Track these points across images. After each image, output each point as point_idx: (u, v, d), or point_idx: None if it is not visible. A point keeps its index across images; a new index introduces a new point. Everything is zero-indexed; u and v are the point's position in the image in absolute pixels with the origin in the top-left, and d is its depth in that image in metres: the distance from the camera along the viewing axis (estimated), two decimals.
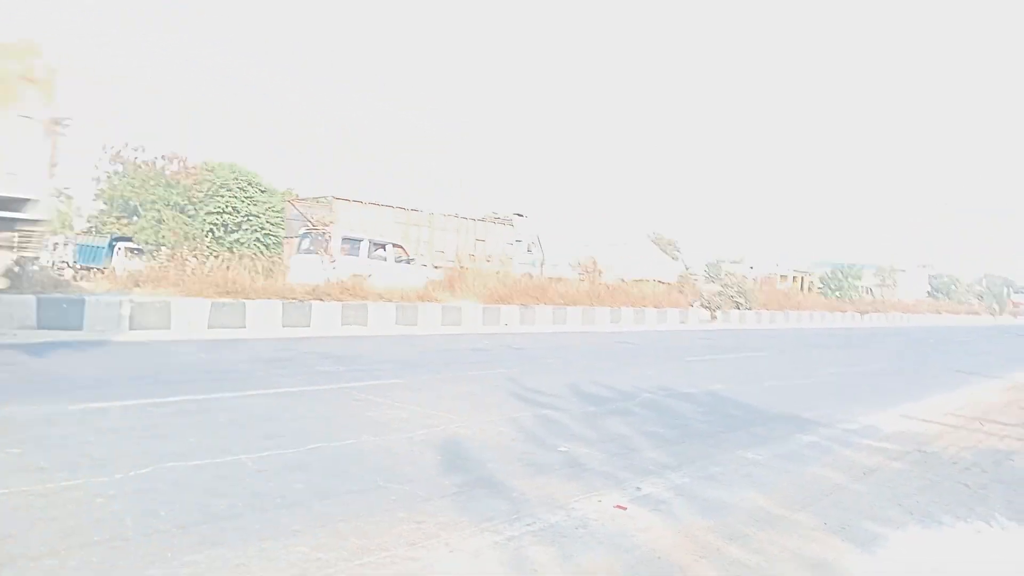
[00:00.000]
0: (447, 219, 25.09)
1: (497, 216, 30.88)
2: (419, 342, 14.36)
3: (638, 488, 5.03)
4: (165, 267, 15.80)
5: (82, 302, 12.70)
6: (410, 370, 10.12)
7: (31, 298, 12.24)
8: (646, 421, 7.50)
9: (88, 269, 22.67)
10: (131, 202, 29.49)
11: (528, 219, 33.17)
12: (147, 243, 26.88)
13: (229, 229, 27.41)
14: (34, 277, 13.32)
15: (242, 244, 27.03)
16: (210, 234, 26.76)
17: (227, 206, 27.28)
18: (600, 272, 26.59)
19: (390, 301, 17.63)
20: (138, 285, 14.73)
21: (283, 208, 25.68)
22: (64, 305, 12.50)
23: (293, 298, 15.58)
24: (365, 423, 6.52)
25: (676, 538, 4.11)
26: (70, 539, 3.58)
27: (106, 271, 20.49)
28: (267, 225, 27.81)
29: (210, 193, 27.43)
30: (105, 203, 31.20)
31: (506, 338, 16.10)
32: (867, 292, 51.76)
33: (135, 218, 29.73)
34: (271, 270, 18.96)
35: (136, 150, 29.44)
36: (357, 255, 20.08)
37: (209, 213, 27.15)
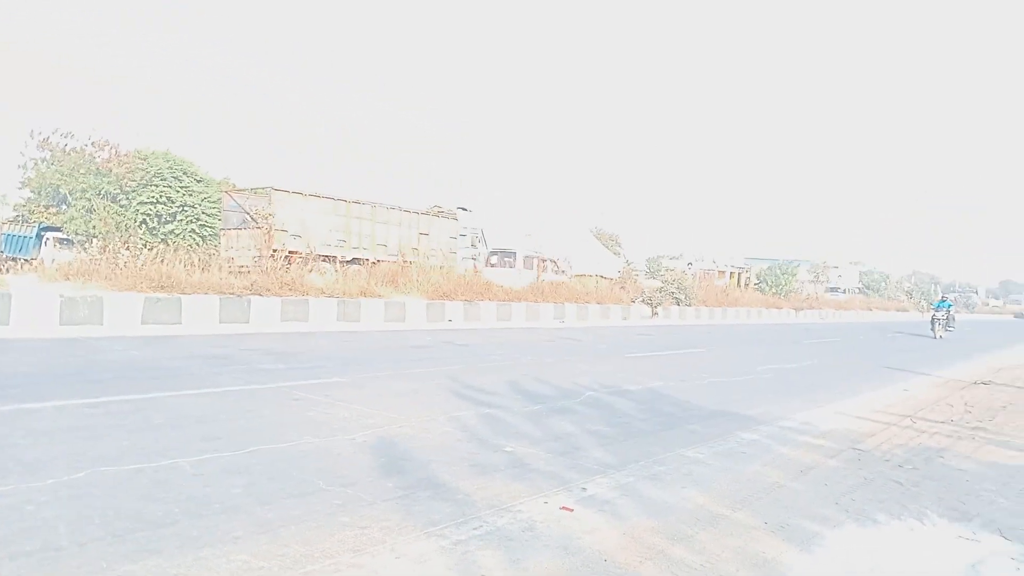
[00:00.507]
0: (390, 212, 24.82)
1: (441, 210, 30.72)
2: (362, 339, 14.19)
3: (584, 488, 5.05)
4: (97, 260, 15.27)
5: (8, 296, 12.20)
6: (352, 368, 9.98)
7: None
8: (590, 419, 7.54)
9: (15, 260, 21.75)
10: (60, 190, 28.46)
11: (472, 213, 33.11)
12: (77, 234, 25.97)
13: (163, 220, 26.70)
14: None
15: (177, 235, 26.37)
16: (143, 225, 26.04)
17: (161, 196, 26.58)
18: (545, 267, 26.68)
19: (332, 296, 17.39)
20: (68, 278, 14.21)
21: (220, 199, 25.08)
22: None
23: (231, 293, 15.24)
24: (306, 423, 6.41)
25: (622, 539, 4.14)
26: None
27: (34, 262, 19.71)
28: (203, 216, 27.18)
29: (143, 182, 26.67)
30: (32, 191, 30.01)
31: (450, 334, 16.04)
32: (802, 288, 53.08)
33: (64, 207, 28.70)
34: (207, 263, 18.52)
35: (65, 136, 28.44)
36: (513, 266, 25.65)
37: (142, 203, 26.40)
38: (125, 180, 26.62)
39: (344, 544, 3.80)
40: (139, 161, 27.22)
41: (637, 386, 10.02)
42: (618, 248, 51.01)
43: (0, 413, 6.09)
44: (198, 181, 27.90)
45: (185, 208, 26.93)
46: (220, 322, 14.48)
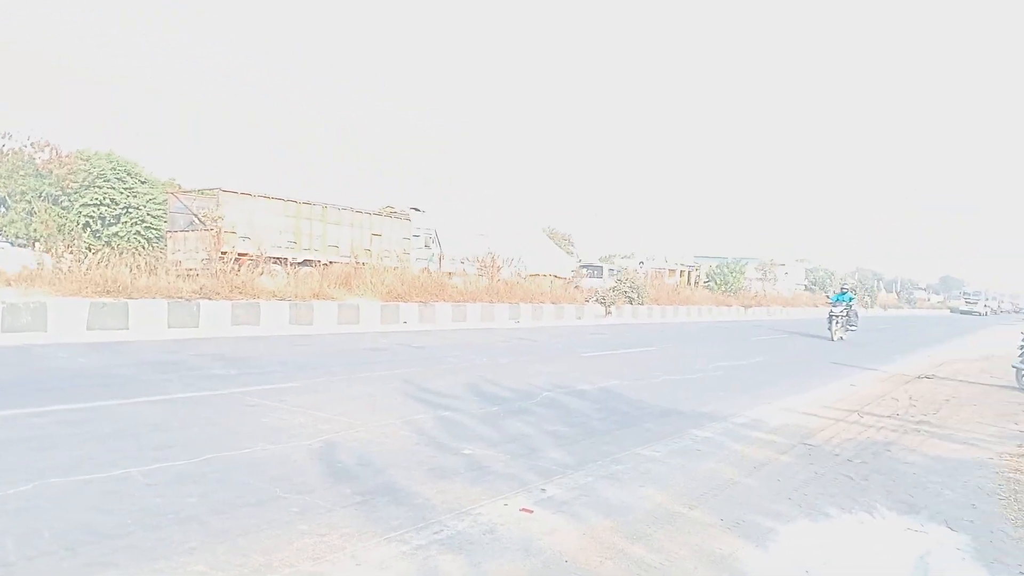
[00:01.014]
0: (341, 212, 24.55)
1: (393, 210, 30.51)
2: (315, 342, 14.04)
3: (543, 490, 5.09)
4: (40, 264, 14.82)
5: None
6: (306, 372, 9.87)
7: None
8: (547, 420, 7.59)
9: None
10: None
11: (425, 213, 32.94)
12: (17, 237, 25.20)
13: (107, 222, 26.07)
14: None
15: (121, 238, 25.77)
16: (86, 227, 25.38)
17: (105, 197, 25.95)
18: (498, 268, 26.69)
19: (283, 299, 17.17)
20: (9, 284, 13.76)
21: (165, 200, 24.56)
22: None
23: (179, 297, 14.95)
24: (261, 430, 6.32)
25: (582, 540, 4.18)
26: None
27: None
28: (148, 218, 26.61)
29: (86, 184, 26.00)
30: None
31: (405, 336, 15.97)
32: (750, 286, 54.04)
33: (3, 210, 27.83)
34: (154, 266, 18.12)
35: (3, 137, 27.56)
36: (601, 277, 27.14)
37: (85, 205, 25.74)
38: (67, 182, 25.92)
39: (303, 552, 3.77)
40: (81, 162, 26.52)
41: (593, 386, 10.10)
42: (571, 248, 51.32)
43: None
44: (143, 182, 27.29)
45: (130, 210, 26.33)
46: (169, 327, 14.19)
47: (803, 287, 68.62)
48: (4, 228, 26.40)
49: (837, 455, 6.77)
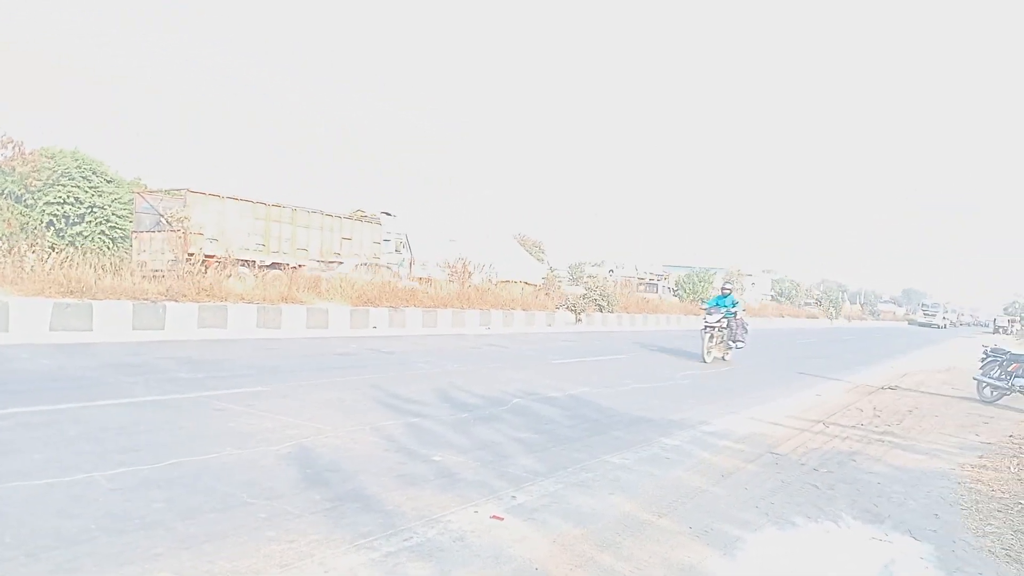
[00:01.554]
0: (311, 215, 24.38)
1: (364, 214, 30.37)
2: (283, 346, 13.91)
3: (513, 497, 5.09)
4: (1, 263, 14.51)
5: None
6: (275, 376, 9.78)
7: None
8: (517, 427, 7.59)
9: None
10: None
11: (396, 218, 32.82)
12: None
13: (71, 221, 25.61)
14: None
15: (86, 238, 25.34)
16: (50, 226, 24.90)
17: (69, 196, 25.49)
18: (469, 274, 26.65)
19: (251, 302, 16.97)
20: None
21: (132, 200, 24.19)
22: None
23: (145, 298, 14.71)
24: (228, 435, 6.24)
25: (552, 548, 4.19)
26: None
27: None
28: (113, 217, 26.19)
29: (50, 182, 25.53)
30: None
31: (375, 341, 15.87)
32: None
33: None
34: (119, 267, 17.82)
35: None
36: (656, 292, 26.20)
37: (49, 203, 25.27)
38: (30, 179, 25.42)
39: (271, 559, 3.73)
40: (45, 160, 26.04)
41: (563, 393, 10.12)
42: (541, 255, 51.41)
43: None
44: (108, 181, 26.86)
45: (94, 209, 25.89)
46: (134, 329, 13.94)
47: (769, 297, 69.47)
48: None
49: (803, 464, 6.86)
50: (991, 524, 5.32)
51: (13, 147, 26.43)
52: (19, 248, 15.05)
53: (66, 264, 15.11)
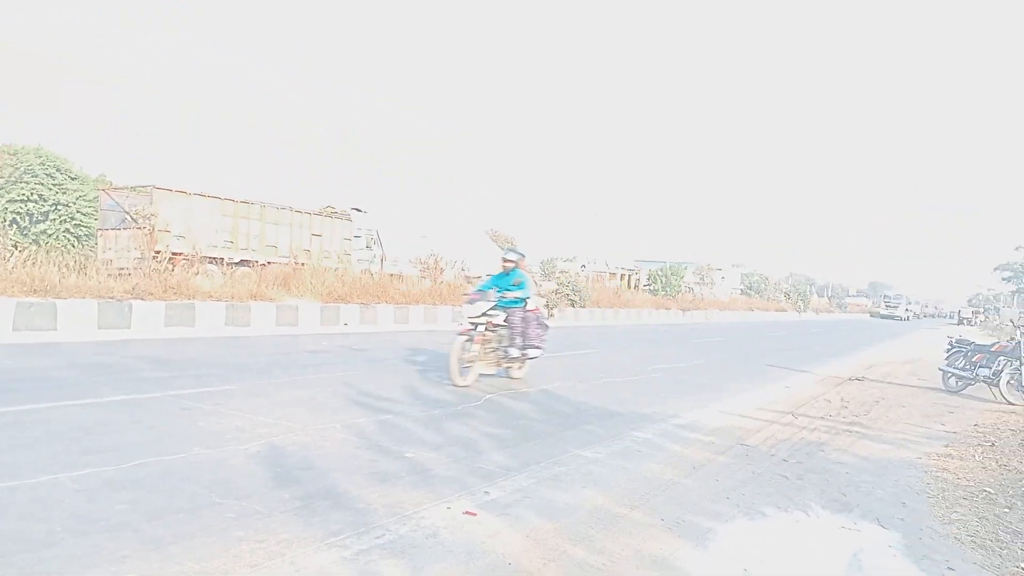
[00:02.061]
0: (280, 212, 24.12)
1: (334, 210, 30.11)
2: (252, 344, 13.76)
3: (486, 492, 5.07)
4: None
5: None
6: (243, 375, 9.66)
7: None
8: (489, 422, 7.57)
9: None
10: None
11: (367, 214, 32.58)
12: None
13: (35, 219, 25.11)
14: None
15: (50, 236, 24.88)
16: (13, 224, 24.39)
17: (32, 193, 24.98)
18: (441, 270, 26.56)
19: (220, 300, 16.77)
20: None
21: (97, 197, 23.77)
22: None
23: (110, 297, 14.46)
24: (196, 434, 6.15)
25: (524, 543, 4.18)
26: None
27: None
28: (78, 215, 25.70)
29: (12, 179, 24.98)
30: None
31: (346, 338, 15.76)
32: (689, 290, 54.93)
33: None
34: (84, 265, 17.50)
35: None
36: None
37: (11, 201, 24.73)
38: None
39: (240, 559, 3.67)
40: (8, 157, 25.47)
41: (534, 388, 10.13)
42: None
43: None
44: (73, 178, 26.35)
45: (58, 207, 25.40)
46: (99, 328, 13.71)
47: (739, 291, 70.10)
48: None
49: (773, 455, 6.92)
50: (957, 511, 5.41)
51: None
52: None
53: (29, 263, 14.84)
